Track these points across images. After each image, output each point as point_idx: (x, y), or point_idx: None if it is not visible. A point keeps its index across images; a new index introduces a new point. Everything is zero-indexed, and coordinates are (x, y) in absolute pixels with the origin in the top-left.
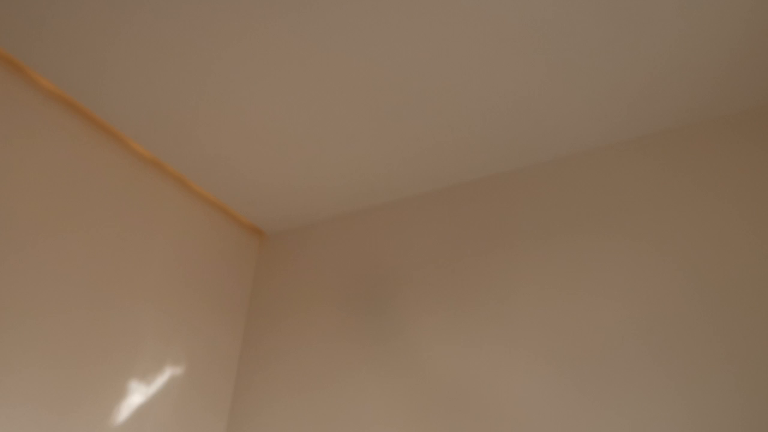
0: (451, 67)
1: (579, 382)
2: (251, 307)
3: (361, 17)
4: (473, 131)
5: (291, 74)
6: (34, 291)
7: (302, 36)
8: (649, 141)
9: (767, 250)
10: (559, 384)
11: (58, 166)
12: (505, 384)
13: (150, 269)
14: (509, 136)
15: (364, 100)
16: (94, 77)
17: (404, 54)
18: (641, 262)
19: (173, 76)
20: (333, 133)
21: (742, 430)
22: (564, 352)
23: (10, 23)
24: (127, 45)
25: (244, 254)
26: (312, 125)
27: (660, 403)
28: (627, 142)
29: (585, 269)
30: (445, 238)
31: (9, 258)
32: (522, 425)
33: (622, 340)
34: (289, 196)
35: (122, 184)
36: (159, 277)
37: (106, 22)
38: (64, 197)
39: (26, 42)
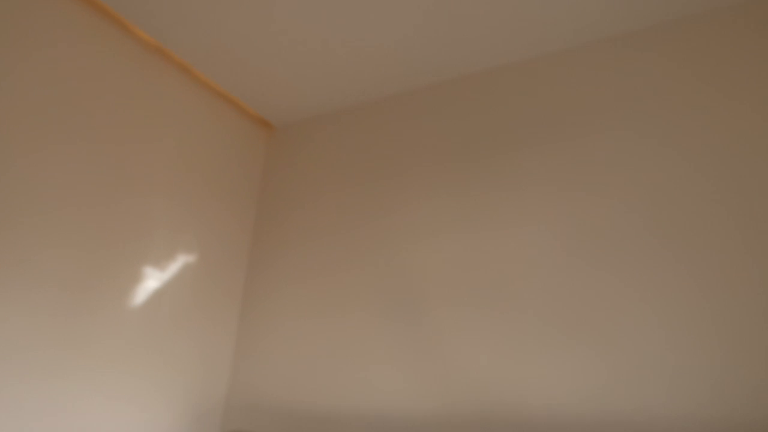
0: None
1: (588, 260)
2: (261, 198)
3: None
4: (479, 20)
5: None
6: (50, 183)
7: None
8: (653, 33)
9: None
10: (568, 263)
11: (57, 55)
12: (513, 263)
13: (158, 160)
14: (517, 25)
15: None
16: None
17: None
18: (647, 152)
19: None
20: (341, 22)
21: (743, 297)
22: (574, 236)
23: None
24: None
25: (253, 146)
26: (321, 12)
27: (667, 277)
28: (632, 34)
29: (592, 162)
30: (453, 129)
31: (20, 155)
32: (532, 305)
33: (630, 227)
34: (297, 87)
35: (126, 72)
36: (168, 169)
37: None
38: (67, 89)
39: None
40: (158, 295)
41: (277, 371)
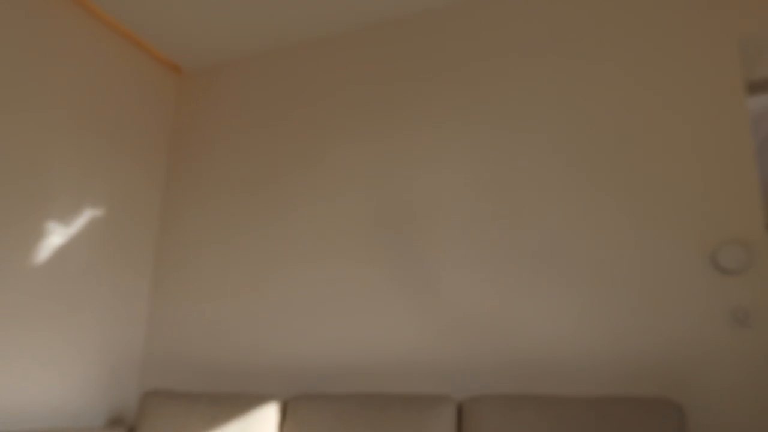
0: None
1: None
2: (172, 145)
3: None
4: None
5: None
6: None
7: None
8: None
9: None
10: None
11: None
12: (435, 200)
13: (57, 106)
14: None
15: None
16: None
17: None
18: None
19: None
20: None
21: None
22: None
23: None
24: None
25: (162, 91)
26: None
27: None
28: None
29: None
30: (368, 75)
31: None
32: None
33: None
34: (207, 29)
35: (16, 5)
36: (69, 112)
37: None
38: None
39: None
40: (64, 249)
41: (198, 326)
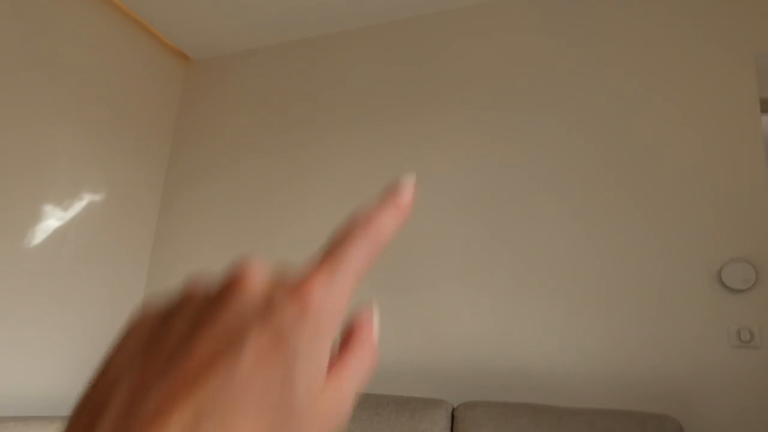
0: None
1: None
2: (176, 133)
3: None
4: None
5: None
6: None
7: None
8: None
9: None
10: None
11: None
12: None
13: (64, 85)
14: None
15: None
16: None
17: None
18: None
19: None
20: None
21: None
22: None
23: None
24: None
25: (169, 79)
26: None
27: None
28: None
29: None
30: (381, 75)
31: None
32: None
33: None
34: (218, 20)
35: None
36: (74, 94)
37: None
38: None
39: None
40: (61, 233)
41: None
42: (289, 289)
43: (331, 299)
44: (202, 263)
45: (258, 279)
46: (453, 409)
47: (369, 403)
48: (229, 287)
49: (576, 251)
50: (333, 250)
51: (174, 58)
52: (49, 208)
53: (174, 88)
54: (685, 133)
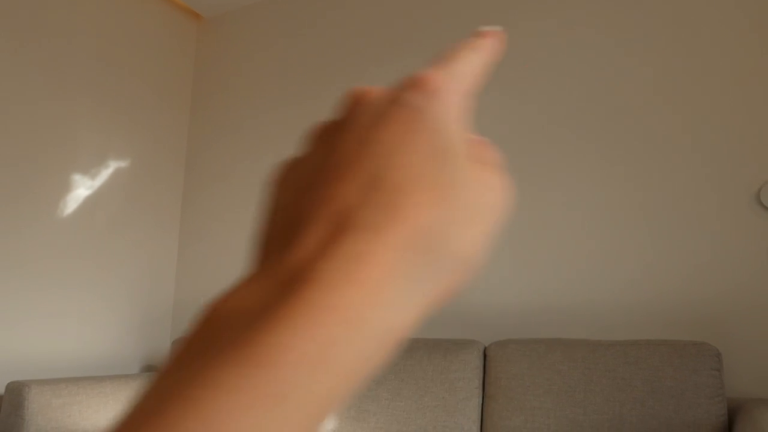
0: None
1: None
2: (194, 93)
3: None
4: None
5: None
6: None
7: None
8: None
9: None
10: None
11: None
12: None
13: (80, 51)
14: None
15: None
16: None
17: None
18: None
19: None
20: None
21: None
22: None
23: None
24: None
25: (182, 39)
26: None
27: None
28: None
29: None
30: (400, 20)
31: None
32: None
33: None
34: None
35: None
36: (91, 61)
37: None
38: None
39: None
40: (90, 205)
41: (227, 271)
42: (409, 84)
43: (454, 86)
44: (230, 216)
45: (376, 90)
46: (485, 348)
47: (400, 347)
48: (353, 103)
49: (608, 179)
50: (441, 58)
51: (185, 18)
52: (77, 178)
53: (188, 47)
54: (724, 50)
